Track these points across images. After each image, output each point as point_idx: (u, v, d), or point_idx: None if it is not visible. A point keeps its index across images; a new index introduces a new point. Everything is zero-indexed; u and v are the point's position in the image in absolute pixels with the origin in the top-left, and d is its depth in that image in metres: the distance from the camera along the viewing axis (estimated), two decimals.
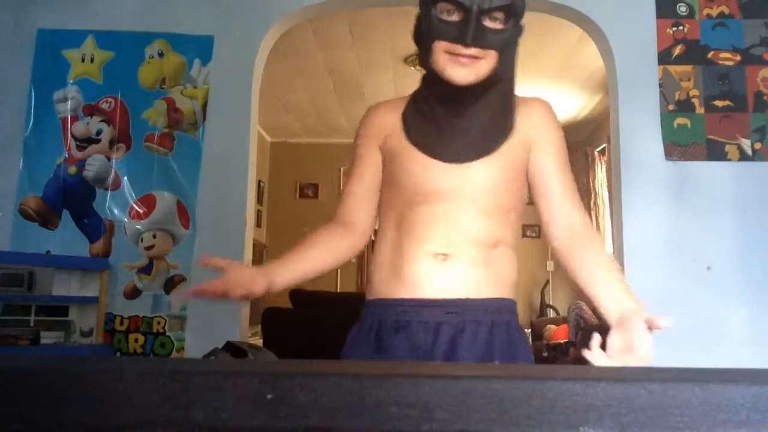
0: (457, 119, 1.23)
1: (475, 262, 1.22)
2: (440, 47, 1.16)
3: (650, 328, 1.01)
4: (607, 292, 1.13)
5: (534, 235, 6.86)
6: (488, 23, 1.14)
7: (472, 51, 1.14)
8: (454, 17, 1.14)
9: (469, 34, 1.12)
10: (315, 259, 1.27)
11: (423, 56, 1.22)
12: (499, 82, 1.21)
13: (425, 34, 1.19)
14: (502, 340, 1.22)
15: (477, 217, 1.23)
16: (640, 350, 0.99)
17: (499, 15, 1.15)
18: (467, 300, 1.20)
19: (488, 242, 1.24)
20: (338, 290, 6.22)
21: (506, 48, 1.18)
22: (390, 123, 1.30)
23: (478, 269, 1.22)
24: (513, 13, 1.16)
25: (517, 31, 1.20)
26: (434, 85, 1.22)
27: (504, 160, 1.24)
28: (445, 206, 1.22)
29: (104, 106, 2.93)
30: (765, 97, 2.77)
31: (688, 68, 2.82)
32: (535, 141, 1.27)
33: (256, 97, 3.02)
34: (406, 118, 1.29)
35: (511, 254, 1.30)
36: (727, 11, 2.85)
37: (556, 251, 1.28)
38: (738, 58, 2.81)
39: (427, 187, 1.23)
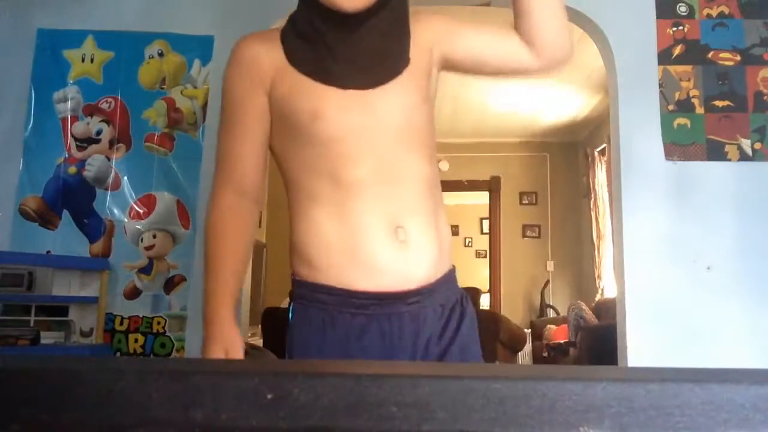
0: (353, 42, 1.05)
1: (431, 232, 1.08)
2: None
3: None
4: None
5: (534, 235, 6.87)
6: None
7: None
8: None
9: None
10: (245, 266, 1.15)
11: None
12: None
13: None
14: (454, 317, 1.13)
15: (419, 160, 1.08)
16: None
17: None
18: (427, 285, 1.08)
19: (435, 195, 1.11)
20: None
21: None
22: (274, 59, 1.08)
23: (434, 241, 1.09)
24: None
25: None
26: (317, 10, 1.04)
27: (413, 80, 1.09)
28: (382, 153, 1.05)
29: (104, 106, 2.92)
30: (765, 97, 2.77)
31: (688, 68, 2.82)
32: (438, 37, 1.13)
33: None
34: (289, 49, 1.08)
35: (444, 209, 1.15)
36: (727, 11, 2.84)
37: (519, 31, 1.12)
38: (738, 58, 2.81)
39: (346, 122, 1.04)
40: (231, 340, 1.05)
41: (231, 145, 1.14)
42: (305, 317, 1.09)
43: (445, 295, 1.14)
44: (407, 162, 1.09)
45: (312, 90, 1.06)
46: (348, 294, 1.05)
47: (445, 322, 1.12)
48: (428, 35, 1.13)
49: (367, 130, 1.06)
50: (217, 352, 1.03)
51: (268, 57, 1.09)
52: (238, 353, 1.05)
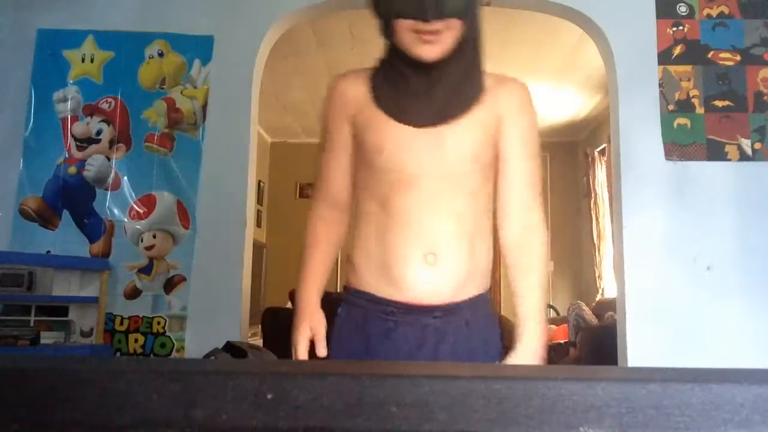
0: (427, 82, 1.19)
1: (461, 259, 1.20)
2: (402, 25, 1.14)
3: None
4: (523, 322, 1.25)
5: None
6: None
7: (434, 26, 1.11)
8: None
9: (427, 8, 1.09)
10: (331, 264, 1.35)
11: (384, 32, 1.19)
12: (467, 45, 1.19)
13: (384, 11, 1.17)
14: (477, 337, 1.26)
15: (459, 200, 1.21)
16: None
17: None
18: (452, 304, 1.21)
19: (471, 230, 1.22)
20: (338, 290, 6.22)
21: (468, 13, 1.16)
22: (359, 94, 1.26)
23: (463, 267, 1.21)
24: None
25: None
26: (401, 56, 1.19)
27: (475, 126, 1.21)
28: (427, 188, 1.19)
29: (104, 106, 2.92)
30: (765, 97, 2.77)
31: (688, 68, 2.82)
32: (505, 119, 1.23)
33: (256, 97, 3.02)
34: (375, 87, 1.25)
35: (488, 242, 1.27)
36: (727, 11, 2.84)
37: (501, 245, 1.28)
38: (738, 58, 2.81)
39: (403, 157, 1.19)
40: (316, 320, 1.28)
41: (324, 167, 1.33)
42: (349, 316, 1.29)
43: (473, 315, 1.26)
44: (447, 197, 1.22)
45: (381, 125, 1.22)
46: (381, 301, 1.23)
47: (469, 341, 1.24)
48: (503, 110, 1.24)
49: (418, 165, 1.20)
50: (304, 328, 1.27)
51: (353, 92, 1.27)
52: (321, 330, 1.27)
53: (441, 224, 1.20)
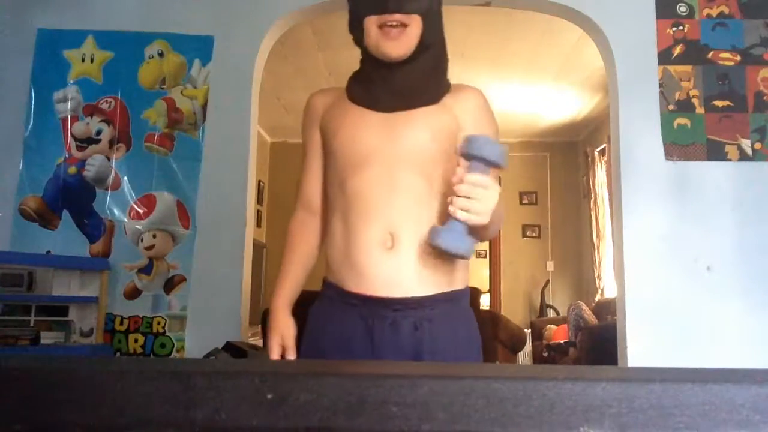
0: (391, 78, 1.28)
1: (423, 250, 1.19)
2: (370, 23, 1.25)
3: None
4: None
5: (534, 235, 6.87)
6: None
7: (397, 17, 1.23)
8: None
9: (389, 2, 1.22)
10: (308, 264, 1.39)
11: (357, 37, 1.30)
12: (429, 48, 1.29)
13: (355, 14, 1.29)
14: (444, 337, 1.22)
15: (413, 180, 1.23)
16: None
17: None
18: (413, 299, 1.20)
19: (430, 214, 1.21)
20: None
21: (429, 13, 1.26)
22: (328, 100, 1.36)
23: (427, 260, 1.20)
24: None
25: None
26: (371, 60, 1.30)
27: (432, 117, 1.27)
28: (380, 168, 1.23)
29: (104, 106, 2.92)
30: (765, 97, 2.77)
31: (688, 68, 2.82)
32: (467, 127, 1.26)
33: (256, 97, 3.02)
34: (348, 87, 1.35)
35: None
36: (727, 11, 2.84)
37: None
38: (738, 58, 2.81)
39: (355, 138, 1.26)
40: (284, 328, 1.31)
41: (303, 175, 1.41)
42: (318, 309, 1.32)
43: (441, 312, 1.22)
44: (401, 176, 1.24)
45: (342, 112, 1.31)
46: (342, 293, 1.26)
47: (433, 342, 1.21)
48: (462, 113, 1.29)
49: (374, 148, 1.26)
50: (274, 338, 1.29)
51: (322, 100, 1.37)
52: (290, 337, 1.30)
53: (397, 202, 1.23)
